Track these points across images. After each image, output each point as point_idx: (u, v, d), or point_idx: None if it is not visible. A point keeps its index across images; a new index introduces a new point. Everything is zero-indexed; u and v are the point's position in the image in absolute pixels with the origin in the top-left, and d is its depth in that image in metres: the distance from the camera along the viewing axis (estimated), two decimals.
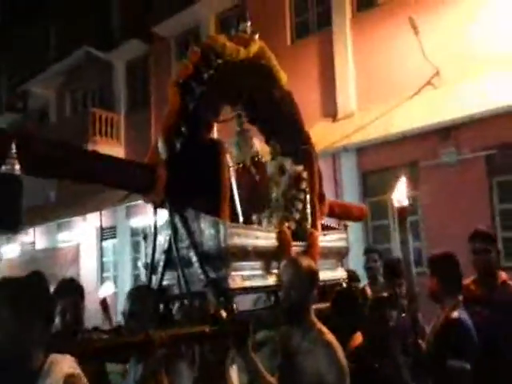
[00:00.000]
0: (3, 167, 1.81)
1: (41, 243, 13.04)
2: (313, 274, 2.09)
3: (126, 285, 10.07)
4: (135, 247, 11.10)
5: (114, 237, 11.63)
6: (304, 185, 3.13)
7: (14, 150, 1.83)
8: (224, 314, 1.90)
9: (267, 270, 2.65)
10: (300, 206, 3.10)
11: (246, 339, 1.81)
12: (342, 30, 8.17)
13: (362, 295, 3.13)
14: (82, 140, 10.84)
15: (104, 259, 11.92)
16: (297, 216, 3.09)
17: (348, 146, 7.41)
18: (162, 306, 2.54)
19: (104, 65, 12.15)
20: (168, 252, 2.60)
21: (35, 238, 13.20)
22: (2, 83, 16.30)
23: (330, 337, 1.97)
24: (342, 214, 3.71)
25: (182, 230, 2.49)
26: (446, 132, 6.58)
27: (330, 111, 8.21)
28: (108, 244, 11.88)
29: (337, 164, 7.81)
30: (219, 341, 1.92)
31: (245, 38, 3.08)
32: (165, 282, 2.62)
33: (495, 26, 6.54)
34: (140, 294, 2.28)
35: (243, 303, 2.66)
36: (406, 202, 2.23)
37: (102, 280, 11.11)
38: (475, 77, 6.38)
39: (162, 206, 2.60)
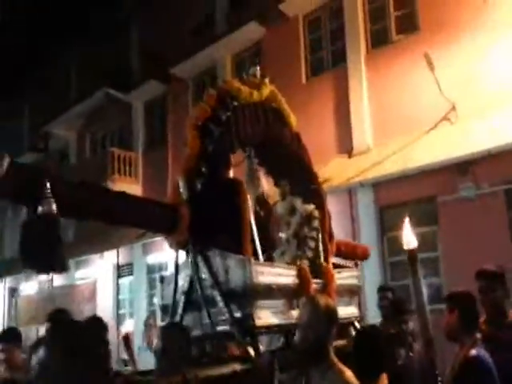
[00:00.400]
0: (40, 208, 1.79)
1: (58, 280, 13.08)
2: (331, 312, 2.06)
3: (142, 322, 9.93)
4: (151, 284, 11.04)
5: (131, 274, 11.62)
6: (316, 223, 3.17)
7: (48, 190, 1.82)
8: (252, 352, 1.87)
9: (289, 308, 2.64)
10: (313, 244, 3.13)
11: (273, 378, 1.83)
12: (356, 67, 8.29)
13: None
14: (101, 178, 11.05)
15: (120, 296, 11.87)
16: (310, 254, 3.10)
17: (364, 181, 7.35)
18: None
19: (123, 105, 12.51)
20: (188, 293, 2.58)
21: (53, 275, 13.27)
22: (25, 124, 16.91)
23: (350, 377, 1.92)
24: (348, 253, 3.72)
25: (204, 270, 2.48)
26: (464, 166, 6.49)
27: (346, 147, 8.21)
28: (124, 281, 11.86)
29: (353, 200, 7.75)
30: (248, 380, 1.91)
31: (256, 82, 3.20)
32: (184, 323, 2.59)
33: (508, 64, 6.54)
34: (173, 332, 2.25)
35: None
36: (415, 244, 2.17)
37: (119, 317, 11.01)
38: (491, 112, 6.35)
39: (183, 245, 2.61)
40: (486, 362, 2.26)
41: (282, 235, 3.21)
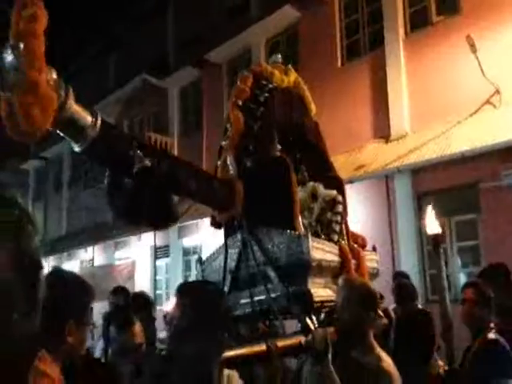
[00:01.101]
0: (135, 167, 1.74)
1: (99, 260, 13.64)
2: (368, 293, 1.99)
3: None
4: (187, 266, 11.34)
5: (167, 256, 11.95)
6: (340, 208, 3.17)
7: (138, 150, 1.78)
8: (313, 326, 1.88)
9: (333, 285, 2.63)
10: (338, 228, 3.12)
11: (327, 353, 1.78)
12: (394, 50, 8.10)
13: (387, 317, 3.10)
14: None
15: (157, 277, 12.26)
16: (335, 238, 3.09)
17: (402, 167, 7.25)
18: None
19: (159, 91, 12.69)
20: (235, 271, 2.58)
21: (94, 254, 13.83)
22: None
23: (389, 365, 1.87)
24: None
25: (255, 247, 2.47)
26: (507, 153, 6.30)
27: (383, 132, 8.09)
28: (161, 262, 12.22)
29: (390, 186, 7.66)
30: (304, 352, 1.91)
31: (283, 68, 3.21)
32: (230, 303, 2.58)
33: None
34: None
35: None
36: (438, 229, 2.20)
37: (156, 297, 11.41)
38: None
39: (231, 223, 2.61)
40: (505, 344, 2.30)
41: (304, 222, 3.15)
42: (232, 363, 1.58)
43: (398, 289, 4.01)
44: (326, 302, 2.48)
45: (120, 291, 3.94)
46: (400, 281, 4.28)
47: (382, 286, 3.57)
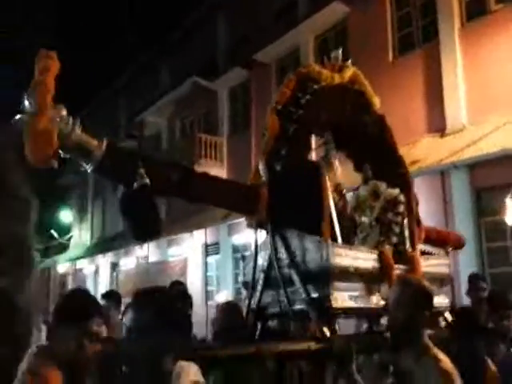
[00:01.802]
0: (136, 183, 1.96)
1: (153, 257, 14.14)
2: (423, 293, 1.92)
3: (228, 299, 10.45)
4: (236, 263, 11.51)
5: (218, 253, 12.20)
6: (401, 208, 3.08)
7: (141, 168, 1.99)
8: (327, 332, 1.88)
9: (368, 293, 2.60)
10: (397, 229, 3.04)
11: (351, 360, 1.77)
12: (449, 42, 7.81)
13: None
14: (189, 162, 11.64)
15: (208, 274, 12.55)
16: (394, 240, 3.03)
17: (459, 162, 6.96)
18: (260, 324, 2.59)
19: (209, 92, 12.98)
20: (267, 271, 2.64)
21: (148, 252, 14.35)
22: (122, 114, 18.31)
23: (447, 365, 1.78)
24: (439, 240, 3.54)
25: (281, 249, 2.53)
26: None
27: (438, 126, 7.82)
28: (212, 259, 12.49)
29: (446, 182, 7.39)
30: (321, 359, 1.90)
31: (338, 65, 3.16)
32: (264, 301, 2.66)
33: None
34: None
35: (346, 327, 2.64)
36: None
37: (207, 294, 11.67)
38: None
39: (262, 226, 2.67)
40: None
41: (365, 220, 3.14)
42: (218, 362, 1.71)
43: (495, 299, 3.70)
44: (351, 309, 2.47)
45: (176, 285, 4.14)
46: (492, 290, 4.02)
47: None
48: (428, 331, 1.99)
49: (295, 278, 2.42)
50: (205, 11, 13.69)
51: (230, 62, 12.53)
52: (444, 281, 3.27)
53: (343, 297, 2.41)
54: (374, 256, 2.68)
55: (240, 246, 11.56)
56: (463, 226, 7.02)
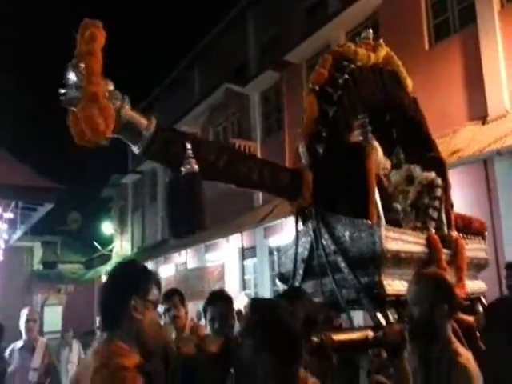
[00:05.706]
0: (183, 168, 1.83)
1: (191, 263, 14.22)
2: (439, 285, 1.82)
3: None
4: (273, 265, 11.37)
5: (254, 256, 12.12)
6: (439, 192, 2.94)
7: (190, 151, 1.87)
8: (383, 321, 1.80)
9: None
10: (435, 214, 2.90)
11: (402, 349, 1.71)
12: (489, 25, 7.45)
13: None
14: None
15: (245, 277, 12.47)
16: (431, 225, 2.88)
17: (503, 149, 6.56)
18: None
19: (241, 97, 13.05)
20: (308, 259, 2.53)
21: (187, 258, 14.46)
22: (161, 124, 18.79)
23: (466, 360, 1.70)
24: (463, 226, 3.36)
25: (326, 236, 2.39)
26: None
27: (478, 113, 7.44)
28: (249, 263, 12.43)
29: (489, 171, 6.99)
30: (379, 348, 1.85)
31: (372, 44, 3.07)
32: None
33: None
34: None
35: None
36: None
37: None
38: None
39: (304, 211, 2.56)
40: None
41: (398, 205, 2.99)
42: None
43: None
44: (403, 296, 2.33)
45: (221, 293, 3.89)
46: None
47: (485, 278, 3.28)
48: (452, 323, 1.86)
49: (342, 264, 2.29)
50: (233, 16, 13.78)
51: (261, 65, 12.54)
52: (482, 266, 3.16)
53: (395, 282, 2.27)
54: (423, 240, 2.56)
55: (276, 248, 11.41)
56: (509, 212, 6.59)
